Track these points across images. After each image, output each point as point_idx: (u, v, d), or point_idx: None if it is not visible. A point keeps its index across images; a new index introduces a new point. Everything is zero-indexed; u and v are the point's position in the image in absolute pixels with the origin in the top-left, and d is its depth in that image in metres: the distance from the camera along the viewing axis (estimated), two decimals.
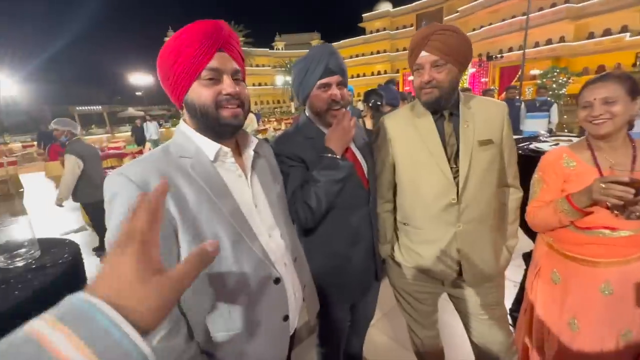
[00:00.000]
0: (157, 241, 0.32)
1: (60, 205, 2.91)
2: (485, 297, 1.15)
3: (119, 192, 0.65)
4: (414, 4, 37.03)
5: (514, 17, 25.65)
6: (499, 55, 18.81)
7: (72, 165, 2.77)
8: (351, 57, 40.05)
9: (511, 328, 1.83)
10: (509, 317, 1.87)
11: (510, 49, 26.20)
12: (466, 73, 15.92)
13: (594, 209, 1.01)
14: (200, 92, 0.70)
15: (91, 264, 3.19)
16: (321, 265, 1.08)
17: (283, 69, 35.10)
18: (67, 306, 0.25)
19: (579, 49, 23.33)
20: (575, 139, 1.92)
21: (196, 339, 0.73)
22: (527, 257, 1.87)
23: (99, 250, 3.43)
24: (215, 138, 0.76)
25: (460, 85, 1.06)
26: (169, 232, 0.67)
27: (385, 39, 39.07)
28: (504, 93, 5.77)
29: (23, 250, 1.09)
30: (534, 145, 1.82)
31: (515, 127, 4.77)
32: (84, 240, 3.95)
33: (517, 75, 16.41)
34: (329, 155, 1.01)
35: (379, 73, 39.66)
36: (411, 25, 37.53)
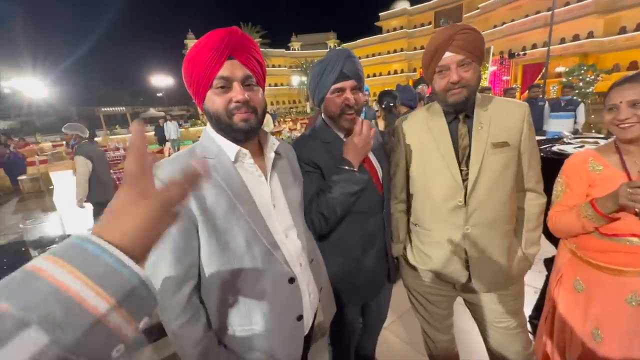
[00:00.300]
0: (147, 174, 0.35)
1: (82, 207, 3.05)
2: (500, 305, 1.12)
3: None
4: (432, 1, 36.32)
5: (538, 12, 24.67)
6: (521, 53, 18.10)
7: (83, 166, 2.92)
8: (367, 56, 39.77)
9: (531, 336, 1.78)
10: (528, 324, 1.83)
11: (534, 46, 25.20)
12: (486, 71, 15.46)
13: (621, 215, 0.96)
14: (213, 100, 0.74)
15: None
16: (333, 266, 1.09)
17: (299, 69, 35.30)
18: (63, 244, 0.28)
19: (608, 44, 22.12)
20: (602, 141, 1.84)
21: (214, 331, 0.79)
22: (549, 262, 1.80)
23: None
24: (234, 141, 0.79)
25: (480, 84, 1.04)
26: (189, 227, 0.73)
27: (402, 38, 38.53)
28: (527, 92, 5.56)
29: (54, 246, 1.16)
30: (557, 148, 1.75)
31: (538, 127, 4.59)
32: None
33: (541, 73, 15.78)
34: (346, 167, 1.00)
35: (395, 72, 39.20)
36: (429, 24, 36.83)
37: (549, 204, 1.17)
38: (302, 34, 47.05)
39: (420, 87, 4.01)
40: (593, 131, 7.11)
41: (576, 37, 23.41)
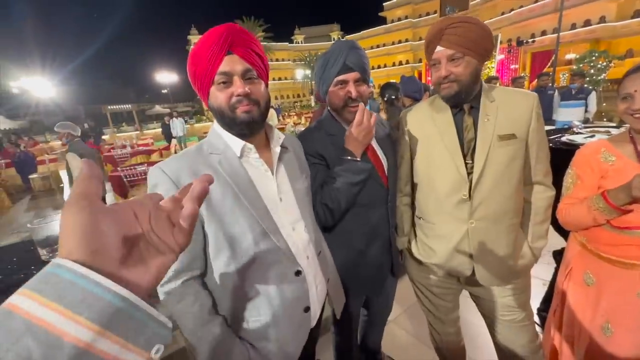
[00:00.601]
0: (96, 192, 0.30)
1: None
2: (506, 298, 1.11)
3: (158, 182, 0.74)
4: None
5: None
6: (530, 40, 17.65)
7: (76, 163, 2.98)
8: (372, 47, 39.17)
9: (539, 328, 1.77)
10: (537, 316, 1.82)
11: (544, 33, 24.49)
12: (494, 60, 15.13)
13: (634, 207, 0.93)
14: (216, 96, 0.77)
15: None
16: (337, 258, 1.09)
17: (303, 62, 35.05)
18: (38, 274, 0.25)
19: (621, 29, 21.37)
20: (614, 130, 1.79)
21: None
22: (557, 255, 1.77)
23: None
24: (239, 136, 0.81)
25: (487, 73, 1.01)
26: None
27: (407, 28, 37.80)
28: (536, 81, 5.43)
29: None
30: (566, 138, 1.71)
31: (548, 116, 4.49)
32: None
33: (550, 61, 15.38)
34: (348, 157, 0.99)
35: (400, 63, 38.60)
36: (434, 12, 36.01)
37: (558, 196, 1.15)
38: (305, 27, 46.54)
39: None
40: (605, 120, 6.92)
41: (587, 23, 22.64)
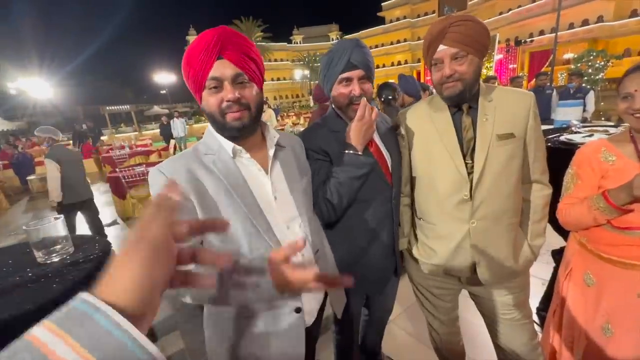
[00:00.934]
0: (162, 232, 0.31)
1: (54, 207, 3.06)
2: (506, 297, 1.11)
3: (155, 183, 0.76)
4: None
5: None
6: (528, 40, 17.68)
7: (51, 169, 2.95)
8: (370, 47, 38.79)
9: (538, 327, 1.77)
10: (536, 316, 1.82)
11: (542, 32, 24.55)
12: (492, 60, 15.14)
13: (634, 207, 0.93)
14: (208, 100, 0.78)
15: None
16: (338, 255, 1.09)
17: (301, 62, 35.03)
18: (67, 308, 0.24)
19: (619, 28, 21.43)
20: (612, 129, 1.79)
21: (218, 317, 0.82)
22: (556, 254, 1.77)
23: None
24: (231, 139, 0.81)
25: (486, 73, 1.01)
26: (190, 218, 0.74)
27: (405, 28, 37.85)
28: (534, 80, 5.43)
29: (58, 246, 1.17)
30: (564, 137, 1.71)
31: (546, 116, 4.49)
32: (116, 233, 4.19)
33: (549, 60, 15.41)
34: (350, 152, 0.99)
35: (399, 63, 38.65)
36: (433, 12, 36.03)
37: (555, 195, 1.14)
38: (304, 27, 46.55)
39: None
40: (603, 119, 6.94)
41: (585, 22, 22.71)
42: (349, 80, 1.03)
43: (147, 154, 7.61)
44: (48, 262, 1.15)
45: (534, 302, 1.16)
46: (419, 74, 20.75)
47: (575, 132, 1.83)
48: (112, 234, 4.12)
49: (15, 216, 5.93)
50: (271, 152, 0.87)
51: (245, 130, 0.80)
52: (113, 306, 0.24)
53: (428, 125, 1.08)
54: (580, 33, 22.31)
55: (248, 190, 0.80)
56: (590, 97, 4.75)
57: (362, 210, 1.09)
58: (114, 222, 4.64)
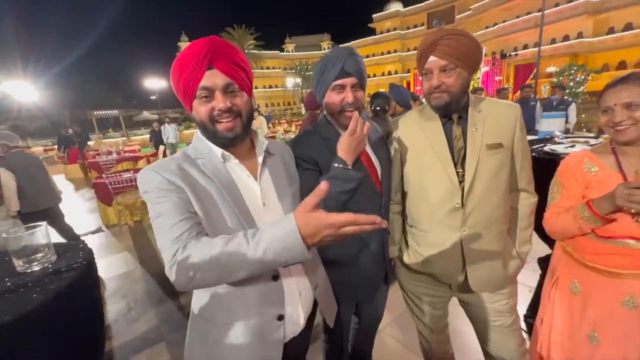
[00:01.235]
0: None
1: (14, 216, 2.90)
2: (496, 304, 1.12)
3: (150, 181, 0.75)
4: (424, 3, 36.65)
5: (528, 13, 25.02)
6: (513, 53, 18.31)
7: (5, 179, 2.80)
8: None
9: (525, 335, 1.79)
10: (523, 323, 1.84)
11: (525, 46, 25.54)
12: (479, 72, 15.60)
13: (617, 216, 0.96)
14: (198, 110, 0.78)
15: (107, 265, 3.29)
16: (329, 263, 1.08)
17: (293, 70, 35.32)
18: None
19: (597, 44, 22.51)
20: (592, 140, 1.85)
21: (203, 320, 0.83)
22: (542, 261, 1.81)
23: None
24: (222, 146, 0.82)
25: (473, 85, 1.04)
26: (185, 201, 0.74)
27: (395, 39, 38.81)
28: (519, 92, 5.62)
29: (40, 255, 1.13)
30: (548, 148, 1.76)
31: (530, 127, 4.64)
32: (101, 241, 4.06)
33: (532, 73, 15.96)
34: (340, 165, 0.99)
35: (389, 73, 39.43)
36: (422, 25, 37.11)
37: (541, 203, 1.17)
38: (296, 36, 47.09)
39: None
40: (584, 130, 7.20)
41: (566, 38, 23.78)
42: (342, 87, 1.04)
43: (135, 159, 7.47)
44: (28, 271, 1.11)
45: (521, 309, 1.18)
46: (408, 84, 21.18)
47: (559, 143, 1.89)
48: (96, 242, 4.00)
49: None
50: (260, 158, 0.88)
51: (237, 139, 0.81)
52: None
53: (419, 134, 1.10)
54: (562, 48, 23.30)
55: (238, 192, 0.81)
56: (572, 109, 4.93)
57: None
58: (99, 230, 4.50)
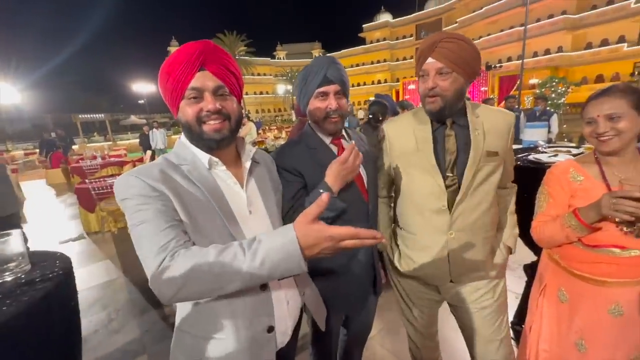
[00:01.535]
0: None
1: None
2: (484, 310, 1.13)
3: (131, 187, 0.70)
4: (413, 15, 37.62)
5: (512, 27, 26.00)
6: (497, 65, 18.96)
7: None
8: (352, 66, 40.52)
9: (512, 342, 1.80)
10: (510, 330, 1.85)
11: (509, 59, 26.47)
12: None
13: (603, 225, 0.98)
14: (185, 110, 0.76)
15: (87, 274, 3.16)
16: (318, 275, 1.06)
17: (284, 77, 35.48)
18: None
19: (576, 58, 23.56)
20: (574, 150, 1.91)
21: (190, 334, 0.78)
22: (528, 268, 1.83)
23: None
24: (207, 150, 0.80)
25: None
26: (169, 208, 0.70)
27: (385, 49, 39.59)
28: (503, 102, 5.79)
29: (12, 264, 1.07)
30: (532, 157, 1.81)
31: (515, 136, 4.77)
32: (82, 248, 3.92)
33: (516, 85, 16.52)
34: (324, 192, 0.96)
35: (379, 82, 40.07)
36: (411, 36, 38.04)
37: (528, 212, 1.19)
38: (288, 44, 47.48)
39: None
40: (566, 140, 7.46)
41: (547, 51, 24.81)
42: (325, 94, 1.04)
43: (120, 164, 7.28)
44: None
45: (508, 316, 1.19)
46: (397, 92, 21.54)
47: (542, 152, 1.94)
48: (77, 250, 3.85)
49: None
50: (247, 164, 0.87)
51: (224, 142, 0.79)
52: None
53: (410, 136, 1.10)
54: (544, 61, 24.27)
55: (225, 199, 0.78)
56: (554, 120, 5.10)
57: None
58: (80, 237, 4.34)
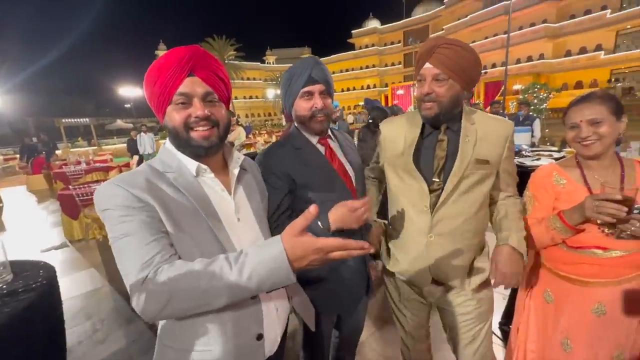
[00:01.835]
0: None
1: None
2: (466, 316, 1.12)
3: (114, 197, 0.67)
4: (401, 22, 38.35)
5: (496, 35, 26.82)
6: (482, 71, 19.47)
7: None
8: (341, 71, 40.92)
9: (500, 342, 1.83)
10: (498, 330, 1.88)
11: (494, 65, 27.26)
12: None
13: (585, 227, 1.01)
14: (172, 116, 0.74)
15: (70, 283, 3.05)
16: (310, 277, 1.05)
17: (274, 82, 35.48)
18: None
19: (557, 65, 24.45)
20: (555, 154, 1.98)
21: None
22: None
23: None
24: (194, 157, 0.78)
25: None
26: (155, 219, 0.68)
27: (374, 55, 40.12)
28: (489, 107, 5.94)
29: None
30: (516, 160, 1.86)
31: None
32: (65, 257, 3.79)
33: (501, 90, 16.99)
34: (322, 226, 0.91)
35: (368, 87, 40.55)
36: (399, 42, 38.74)
37: None
38: (277, 48, 47.58)
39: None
40: (548, 144, 7.70)
41: (530, 58, 25.66)
42: (310, 94, 1.05)
43: (106, 170, 7.10)
44: None
45: (495, 317, 1.21)
46: (386, 97, 21.85)
47: (526, 156, 2.01)
48: (59, 258, 3.72)
49: None
50: (236, 171, 0.86)
51: (212, 149, 0.78)
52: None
53: (400, 139, 1.11)
54: (526, 68, 25.08)
55: (212, 208, 0.77)
56: (537, 125, 5.26)
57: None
58: (63, 245, 4.20)
